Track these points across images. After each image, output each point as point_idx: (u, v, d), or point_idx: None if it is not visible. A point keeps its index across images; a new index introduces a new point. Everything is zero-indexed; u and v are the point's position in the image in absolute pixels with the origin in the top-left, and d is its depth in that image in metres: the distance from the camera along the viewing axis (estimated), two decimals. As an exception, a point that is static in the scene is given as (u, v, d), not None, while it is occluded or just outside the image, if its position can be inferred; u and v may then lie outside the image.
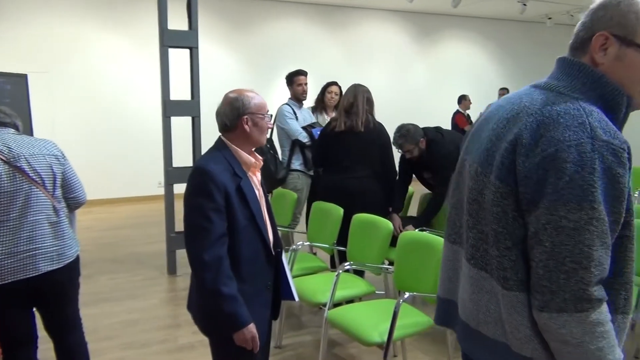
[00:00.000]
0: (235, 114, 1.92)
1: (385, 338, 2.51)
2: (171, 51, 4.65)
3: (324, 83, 4.74)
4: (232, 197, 1.85)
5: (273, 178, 4.23)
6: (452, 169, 4.45)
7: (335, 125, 3.70)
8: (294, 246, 3.50)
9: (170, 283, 4.59)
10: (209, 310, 1.87)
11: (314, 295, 3.04)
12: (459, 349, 3.32)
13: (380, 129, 3.70)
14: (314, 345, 3.42)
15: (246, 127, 1.93)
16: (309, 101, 4.77)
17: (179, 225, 4.59)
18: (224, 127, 1.96)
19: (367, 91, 3.73)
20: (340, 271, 3.06)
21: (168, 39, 4.56)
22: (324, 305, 2.94)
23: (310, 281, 3.26)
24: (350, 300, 3.20)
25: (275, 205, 4.23)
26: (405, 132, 3.78)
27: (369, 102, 3.71)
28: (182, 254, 4.74)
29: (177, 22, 5.40)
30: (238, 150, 1.95)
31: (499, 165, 1.21)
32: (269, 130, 4.54)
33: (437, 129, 3.98)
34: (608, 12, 1.17)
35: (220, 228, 1.81)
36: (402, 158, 4.00)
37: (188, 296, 2.04)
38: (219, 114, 1.95)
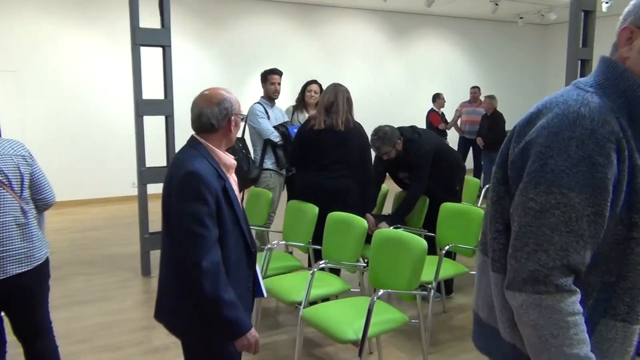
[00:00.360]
0: (224, 115, 1.87)
1: (360, 335, 2.52)
2: (144, 48, 4.59)
3: (300, 82, 4.74)
4: (221, 201, 1.81)
5: (246, 177, 4.21)
6: (427, 168, 4.52)
7: (314, 124, 3.66)
8: (270, 245, 3.49)
9: (145, 284, 4.54)
10: (207, 317, 1.79)
11: (289, 294, 3.04)
12: (434, 344, 3.37)
13: (359, 129, 3.70)
14: (290, 344, 3.42)
15: (232, 128, 1.91)
16: (284, 101, 4.76)
17: (153, 226, 4.58)
18: (208, 128, 1.87)
19: (347, 91, 3.71)
20: (315, 269, 3.07)
21: (140, 38, 4.50)
22: (300, 304, 2.95)
23: (285, 280, 3.26)
24: (326, 299, 3.21)
25: (251, 204, 4.22)
26: (383, 134, 3.80)
27: (349, 102, 3.69)
28: (156, 255, 4.67)
29: (150, 19, 5.33)
30: (216, 150, 1.90)
31: (499, 154, 1.27)
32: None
33: (413, 129, 4.01)
34: (636, 6, 1.16)
35: (215, 233, 1.77)
36: (377, 157, 4.02)
37: (156, 304, 1.97)
38: (204, 115, 1.86)
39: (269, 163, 4.44)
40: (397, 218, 3.92)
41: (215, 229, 1.77)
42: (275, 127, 4.37)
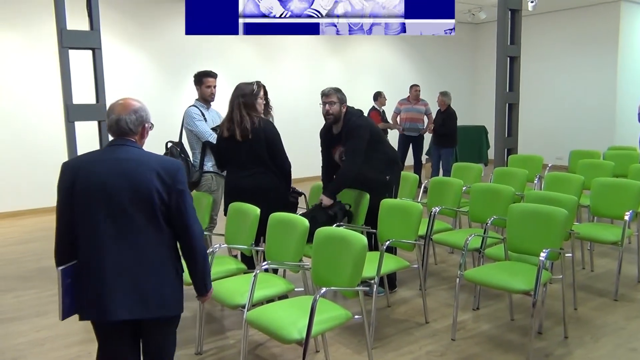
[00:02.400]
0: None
1: (305, 334, 2.52)
2: (74, 51, 4.40)
3: (237, 83, 4.68)
4: None
5: (187, 182, 4.14)
6: (362, 141, 4.72)
7: (222, 131, 3.83)
8: (211, 249, 3.43)
9: (83, 296, 4.36)
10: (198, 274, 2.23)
11: (232, 298, 3.00)
12: (379, 339, 3.42)
13: (265, 125, 3.76)
14: (236, 348, 3.38)
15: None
16: (220, 104, 4.68)
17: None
18: (139, 130, 2.19)
19: (243, 94, 3.74)
20: (258, 271, 3.04)
21: (67, 40, 4.30)
22: (244, 306, 2.92)
23: (228, 283, 3.21)
24: (271, 300, 3.19)
25: (191, 208, 4.13)
26: (338, 88, 4.03)
27: (247, 105, 3.73)
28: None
29: (81, 20, 5.10)
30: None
31: None
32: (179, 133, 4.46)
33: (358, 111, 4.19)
34: None
35: None
36: (323, 132, 4.22)
37: (111, 301, 2.13)
38: (137, 118, 2.16)
39: (209, 165, 4.37)
40: (333, 190, 3.95)
41: None
42: (213, 129, 4.31)
